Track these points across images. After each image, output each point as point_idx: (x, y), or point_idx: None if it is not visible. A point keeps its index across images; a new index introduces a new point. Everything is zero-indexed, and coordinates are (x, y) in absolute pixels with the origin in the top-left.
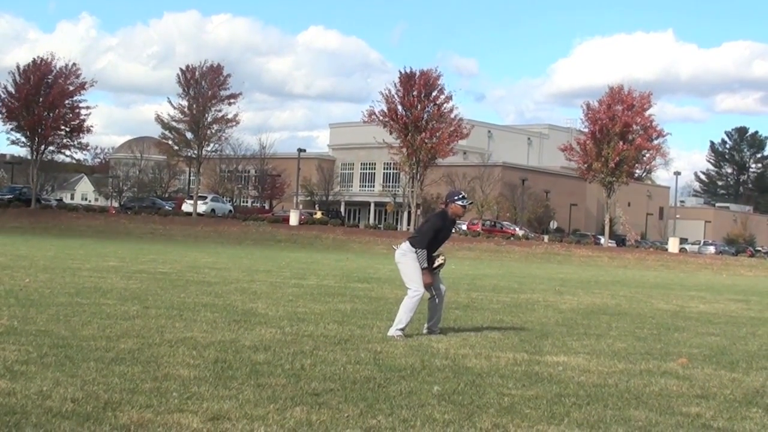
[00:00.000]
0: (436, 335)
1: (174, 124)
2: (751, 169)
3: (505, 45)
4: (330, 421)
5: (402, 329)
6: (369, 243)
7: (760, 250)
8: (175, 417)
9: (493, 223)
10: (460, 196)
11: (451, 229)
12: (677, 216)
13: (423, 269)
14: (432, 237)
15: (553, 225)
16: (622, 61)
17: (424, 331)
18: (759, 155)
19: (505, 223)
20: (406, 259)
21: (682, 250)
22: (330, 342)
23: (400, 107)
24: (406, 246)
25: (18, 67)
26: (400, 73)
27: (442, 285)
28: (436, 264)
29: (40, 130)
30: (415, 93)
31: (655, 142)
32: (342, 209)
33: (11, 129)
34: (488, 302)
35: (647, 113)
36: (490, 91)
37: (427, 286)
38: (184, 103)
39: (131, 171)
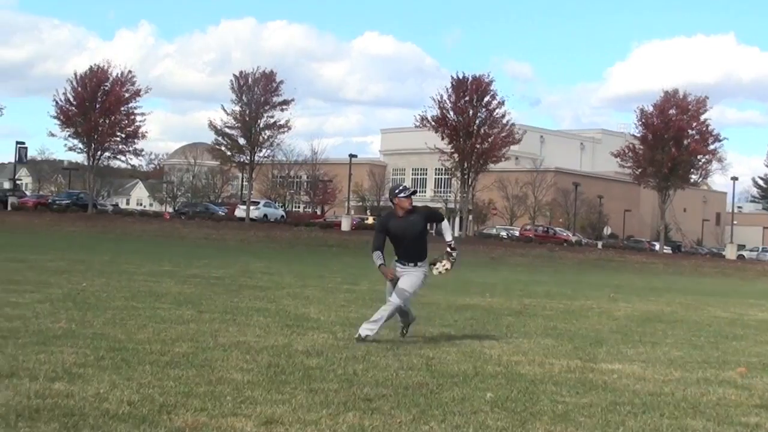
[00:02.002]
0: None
1: (227, 130)
2: None
3: (561, 49)
4: (382, 427)
5: (371, 329)
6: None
7: None
8: (229, 421)
9: (546, 229)
10: (401, 188)
11: (412, 222)
12: (734, 222)
13: (380, 265)
14: (382, 238)
15: (607, 231)
16: (681, 64)
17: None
18: None
19: (558, 229)
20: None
21: (739, 257)
22: (382, 347)
23: (451, 113)
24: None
25: (75, 75)
26: (452, 78)
27: (399, 293)
28: (435, 271)
29: (96, 137)
30: (466, 98)
31: (711, 147)
32: None
33: (69, 135)
34: (541, 309)
35: (702, 117)
36: (545, 96)
37: (391, 281)
38: (237, 109)
39: (185, 176)
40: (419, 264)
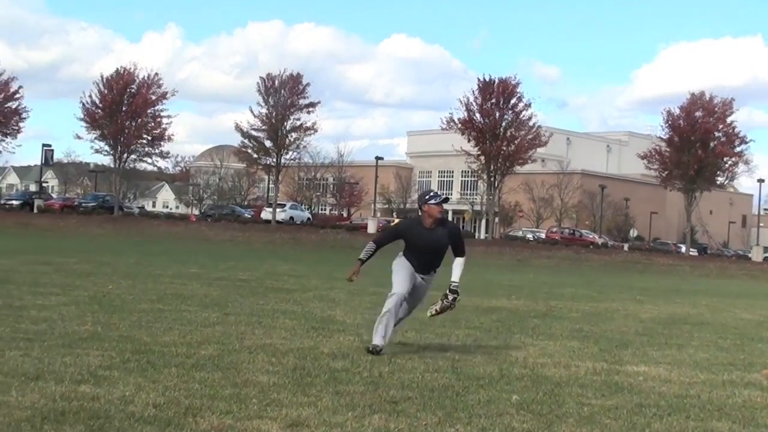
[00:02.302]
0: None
1: (253, 132)
2: None
3: (588, 51)
4: (408, 429)
5: (382, 336)
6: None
7: None
8: (255, 423)
9: (572, 231)
10: (432, 194)
11: (437, 236)
12: (761, 224)
13: (359, 259)
14: (389, 240)
15: (633, 233)
16: (708, 66)
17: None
18: None
19: (584, 231)
20: (394, 264)
21: (765, 259)
22: (408, 350)
23: (477, 115)
24: (401, 254)
25: (102, 77)
26: (479, 80)
27: (408, 309)
28: (439, 307)
29: (122, 139)
30: (493, 101)
31: (738, 149)
32: None
33: (95, 138)
34: (567, 311)
35: (729, 120)
36: (572, 98)
37: (347, 276)
38: (264, 111)
39: (211, 179)
40: (434, 273)
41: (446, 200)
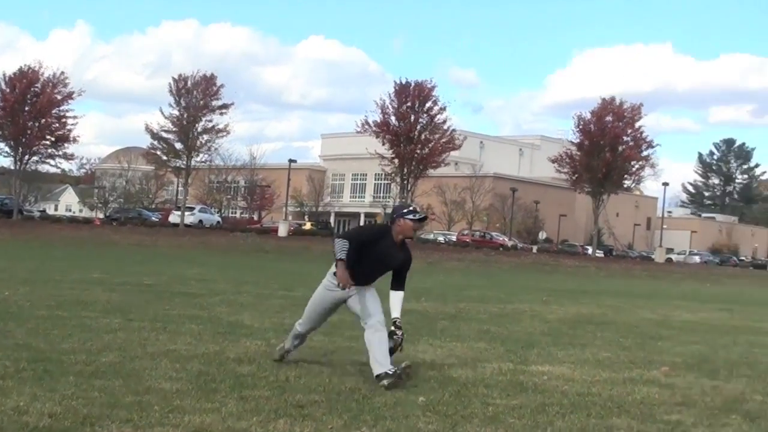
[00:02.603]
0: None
1: (164, 134)
2: (737, 180)
3: (504, 56)
4: None
5: (386, 369)
6: None
7: (743, 260)
8: (156, 431)
9: (482, 234)
10: (411, 208)
11: (398, 257)
12: (664, 226)
13: (338, 260)
14: (357, 244)
15: (542, 235)
16: (620, 72)
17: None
18: (745, 166)
19: (494, 233)
20: (319, 288)
21: (668, 260)
22: (316, 353)
23: (393, 118)
24: (329, 272)
25: (4, 76)
26: (395, 83)
27: (371, 315)
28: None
29: (24, 140)
30: (408, 104)
31: (645, 153)
32: (332, 220)
33: None
34: (476, 312)
35: (637, 125)
36: (488, 102)
37: (342, 284)
38: (176, 113)
39: (118, 182)
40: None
41: (425, 219)
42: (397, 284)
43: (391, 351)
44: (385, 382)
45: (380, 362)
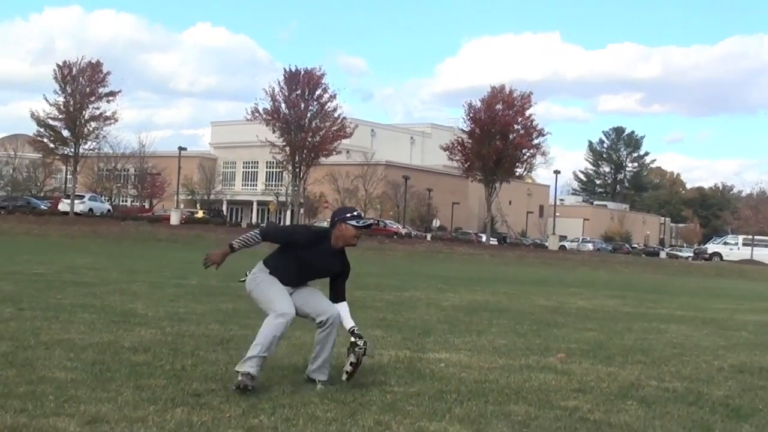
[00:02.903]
0: (320, 384)
1: (50, 121)
2: (627, 168)
3: (394, 44)
4: (211, 422)
5: (255, 363)
6: None
7: (636, 247)
8: (51, 421)
9: (376, 222)
10: (356, 213)
11: (335, 266)
12: (557, 214)
13: (229, 244)
14: (281, 240)
15: (436, 223)
16: (509, 61)
17: (305, 376)
18: (635, 154)
19: (388, 221)
20: (257, 283)
21: (561, 248)
22: (212, 342)
23: (283, 105)
24: (257, 267)
25: None
26: (285, 71)
27: (324, 310)
28: (354, 359)
29: None
30: (298, 92)
31: (536, 141)
32: (224, 208)
33: None
34: (372, 300)
35: (528, 113)
36: (378, 90)
37: (207, 260)
38: (61, 100)
39: (4, 169)
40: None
41: (369, 226)
42: (337, 296)
43: (359, 362)
44: (240, 377)
45: (251, 358)
